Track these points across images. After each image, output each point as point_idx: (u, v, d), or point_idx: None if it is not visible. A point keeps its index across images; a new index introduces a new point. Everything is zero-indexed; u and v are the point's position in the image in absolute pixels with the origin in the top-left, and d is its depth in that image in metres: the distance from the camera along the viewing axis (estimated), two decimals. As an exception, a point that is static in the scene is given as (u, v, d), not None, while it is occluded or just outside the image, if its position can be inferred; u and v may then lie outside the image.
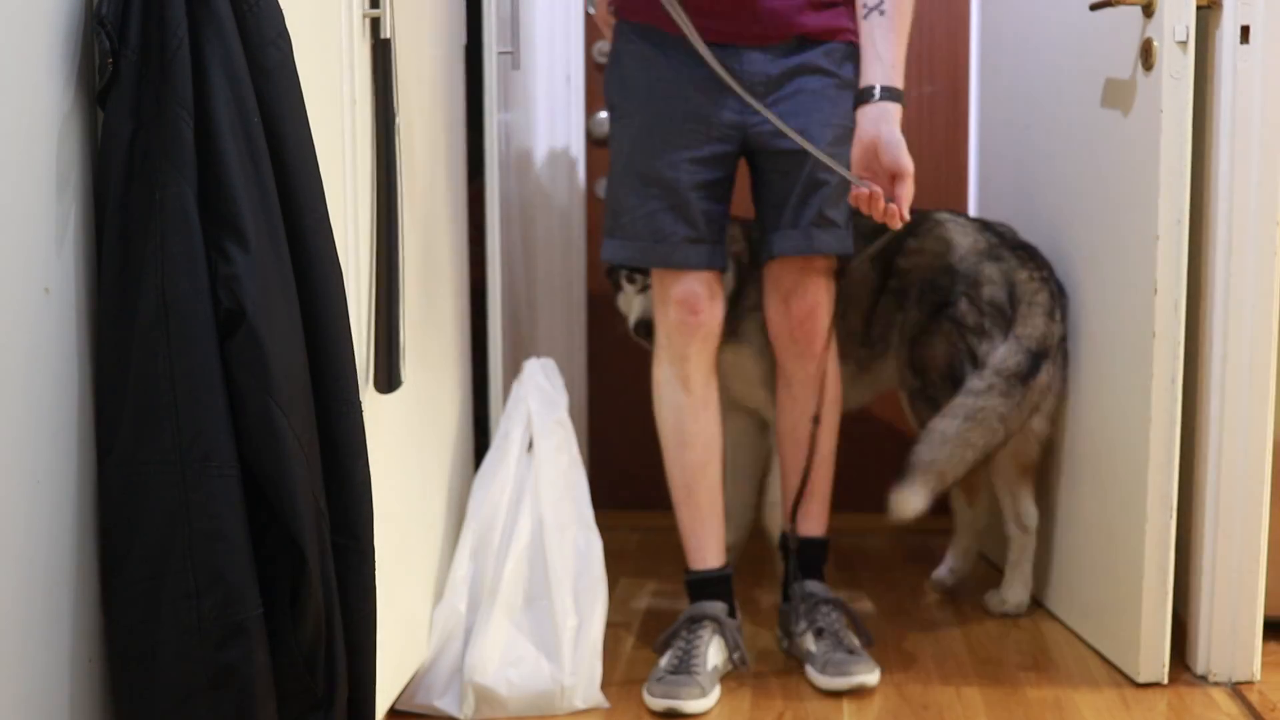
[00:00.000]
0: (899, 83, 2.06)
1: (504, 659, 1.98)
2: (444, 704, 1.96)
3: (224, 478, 1.20)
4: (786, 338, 2.24)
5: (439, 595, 2.06)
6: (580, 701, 2.00)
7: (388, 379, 1.70)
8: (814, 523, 2.31)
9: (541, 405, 2.18)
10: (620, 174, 2.21)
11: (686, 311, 2.17)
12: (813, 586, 2.25)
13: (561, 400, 2.21)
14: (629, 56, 2.20)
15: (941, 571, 2.62)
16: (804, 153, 2.07)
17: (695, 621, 2.16)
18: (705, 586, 2.22)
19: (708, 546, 2.25)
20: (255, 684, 1.22)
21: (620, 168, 2.21)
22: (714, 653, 2.12)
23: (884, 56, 2.05)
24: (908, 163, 1.99)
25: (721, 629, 2.15)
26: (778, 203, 2.18)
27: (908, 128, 3.14)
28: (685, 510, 2.26)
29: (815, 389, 2.25)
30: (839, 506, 3.04)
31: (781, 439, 2.33)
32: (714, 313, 2.20)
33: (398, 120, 1.70)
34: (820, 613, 2.19)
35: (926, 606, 2.53)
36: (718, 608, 2.19)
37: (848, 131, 2.08)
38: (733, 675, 2.17)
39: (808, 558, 2.29)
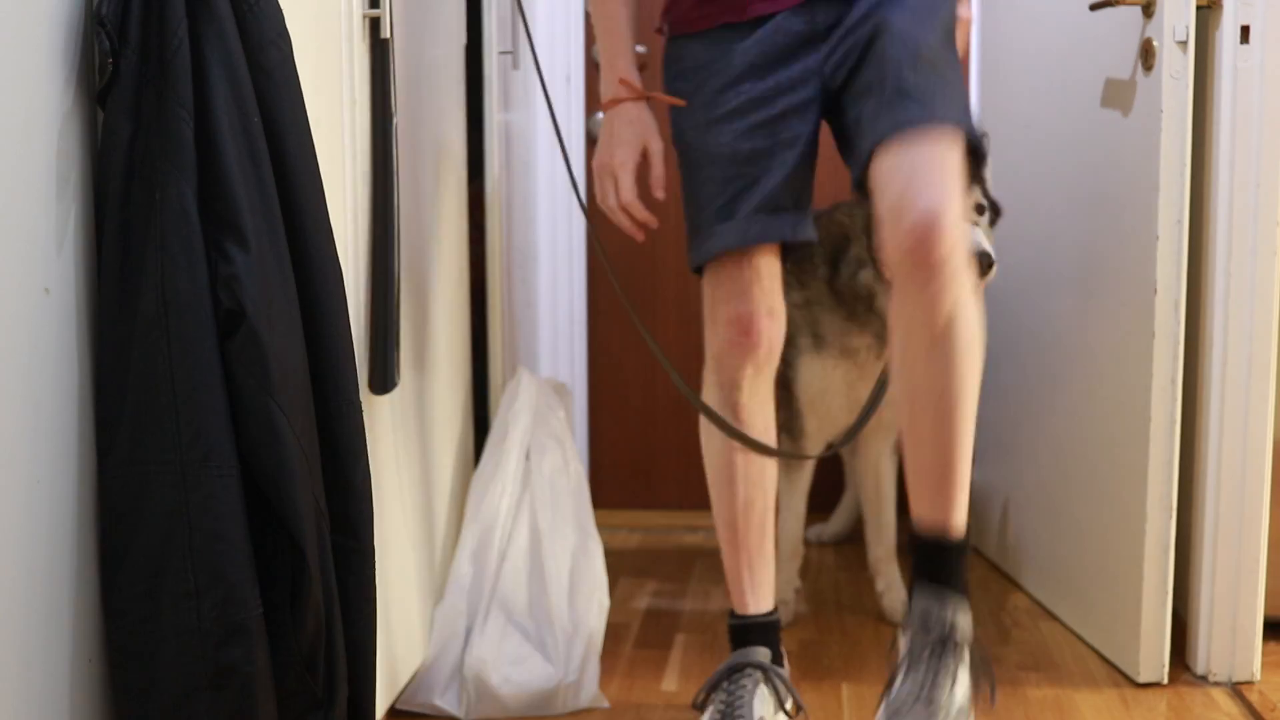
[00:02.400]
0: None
1: (504, 658, 1.98)
2: (444, 703, 1.96)
3: (224, 478, 1.20)
4: (904, 254, 1.66)
5: (439, 595, 2.06)
6: (580, 701, 2.00)
7: (383, 380, 1.70)
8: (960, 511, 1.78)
9: (534, 419, 2.18)
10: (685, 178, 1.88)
11: (738, 331, 1.86)
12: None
13: (554, 412, 2.22)
14: (684, 66, 1.89)
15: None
16: (887, 63, 1.71)
17: (736, 670, 1.90)
18: (748, 633, 1.95)
19: (752, 590, 1.97)
20: (255, 684, 1.22)
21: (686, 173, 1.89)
22: (759, 704, 1.87)
23: None
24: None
25: (767, 677, 1.90)
26: (867, 115, 1.75)
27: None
28: (729, 551, 1.97)
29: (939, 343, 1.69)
30: (829, 507, 3.05)
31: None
32: (773, 330, 1.86)
33: (395, 120, 1.70)
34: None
35: (926, 606, 2.53)
36: (761, 654, 1.93)
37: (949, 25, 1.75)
38: (733, 675, 2.17)
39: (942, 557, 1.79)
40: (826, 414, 2.43)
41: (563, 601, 2.05)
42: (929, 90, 1.67)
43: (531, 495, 2.12)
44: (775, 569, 2.48)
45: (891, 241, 1.67)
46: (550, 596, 2.05)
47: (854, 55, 1.77)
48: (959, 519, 1.74)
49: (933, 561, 1.74)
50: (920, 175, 1.64)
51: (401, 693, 1.95)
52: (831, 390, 2.40)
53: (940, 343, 1.68)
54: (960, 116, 1.69)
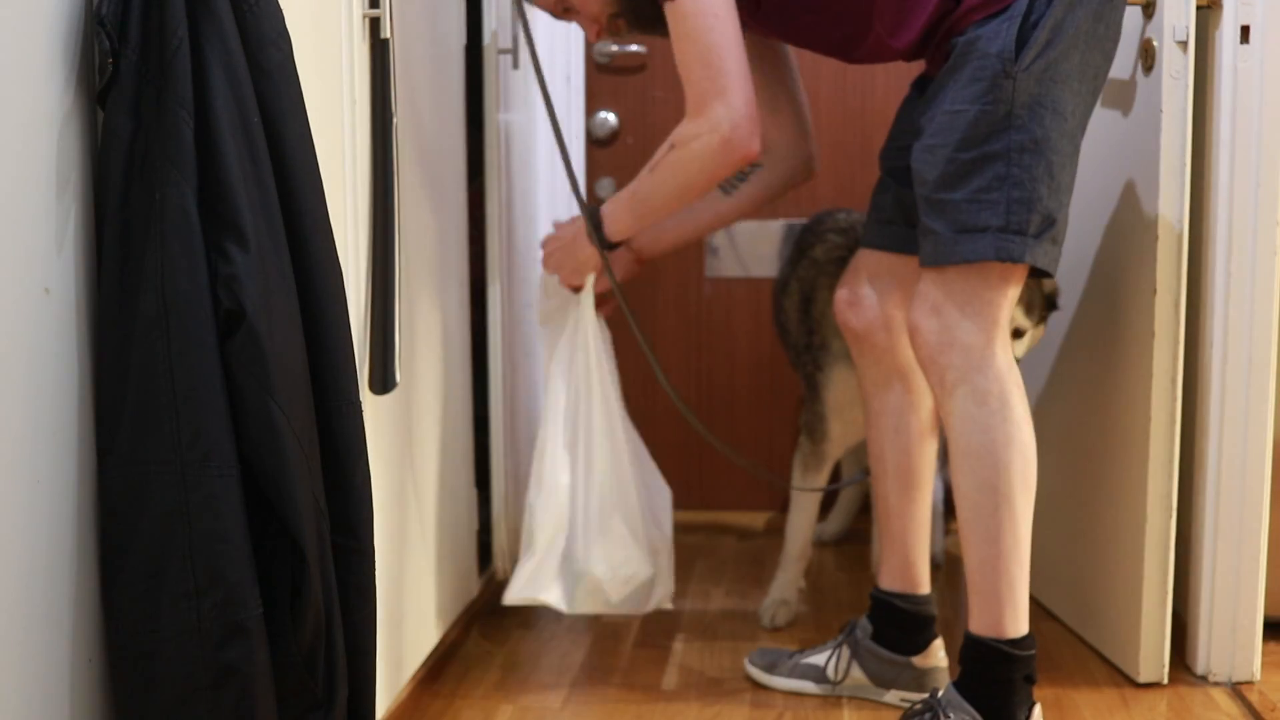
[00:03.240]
0: (608, 214, 2.05)
1: (613, 556, 2.05)
2: (550, 597, 2.04)
3: (224, 478, 1.20)
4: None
5: (441, 595, 2.06)
6: (659, 599, 2.10)
7: (383, 380, 1.70)
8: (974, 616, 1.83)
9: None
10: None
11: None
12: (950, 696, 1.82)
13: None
14: None
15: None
16: (915, 196, 1.87)
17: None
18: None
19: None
20: (255, 684, 1.22)
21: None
22: None
23: (622, 193, 2.04)
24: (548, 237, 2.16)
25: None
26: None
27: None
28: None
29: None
30: (828, 507, 3.05)
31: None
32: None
33: (395, 120, 1.70)
34: None
35: (926, 606, 2.53)
36: None
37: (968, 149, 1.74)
38: (733, 675, 2.17)
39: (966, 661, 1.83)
40: (852, 422, 2.44)
41: (644, 500, 2.12)
42: (941, 226, 1.76)
43: (600, 386, 2.12)
44: (780, 567, 2.49)
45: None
46: (636, 495, 2.11)
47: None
48: (999, 627, 1.78)
49: (964, 659, 1.82)
50: (919, 301, 1.80)
51: (498, 588, 1.95)
52: (859, 401, 2.40)
53: (957, 464, 1.79)
54: (967, 249, 1.73)
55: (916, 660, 2.02)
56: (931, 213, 1.77)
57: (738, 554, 2.94)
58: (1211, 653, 2.09)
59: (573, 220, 2.15)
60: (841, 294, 2.07)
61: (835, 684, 2.05)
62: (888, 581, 2.06)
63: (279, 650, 1.27)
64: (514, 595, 2.06)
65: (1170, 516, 2.05)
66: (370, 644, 1.43)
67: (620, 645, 2.31)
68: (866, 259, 2.05)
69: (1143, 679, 2.08)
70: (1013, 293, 1.78)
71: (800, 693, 2.07)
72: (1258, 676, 2.09)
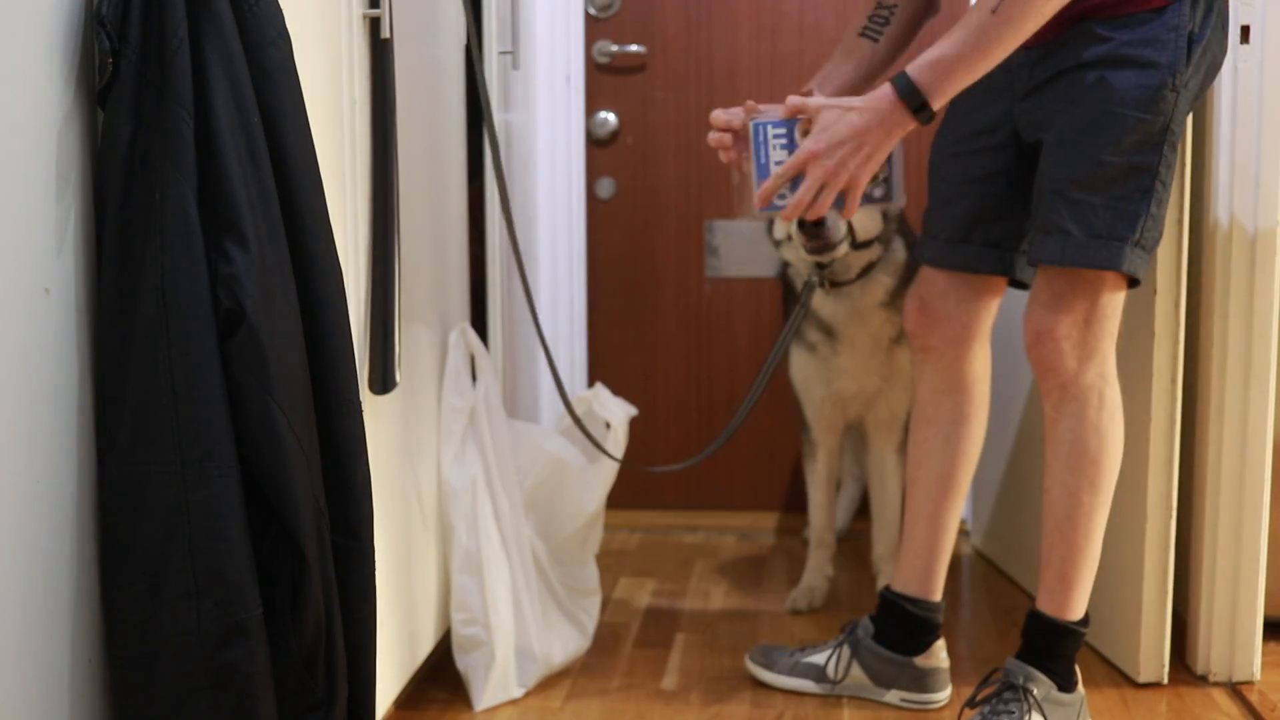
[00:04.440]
0: (926, 81, 1.65)
1: (569, 647, 2.16)
2: (516, 693, 2.05)
3: (224, 478, 1.20)
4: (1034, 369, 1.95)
5: (440, 595, 2.06)
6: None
7: (383, 380, 1.70)
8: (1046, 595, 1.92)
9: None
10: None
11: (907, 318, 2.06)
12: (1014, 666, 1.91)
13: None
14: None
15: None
16: (1041, 188, 1.81)
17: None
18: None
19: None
20: (255, 684, 1.22)
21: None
22: None
23: (937, 47, 1.67)
24: (814, 144, 1.66)
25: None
26: (1029, 226, 1.94)
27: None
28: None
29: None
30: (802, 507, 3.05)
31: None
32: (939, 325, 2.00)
33: (395, 120, 1.70)
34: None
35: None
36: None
37: (1115, 153, 1.73)
38: (733, 675, 2.17)
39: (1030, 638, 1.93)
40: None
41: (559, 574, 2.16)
42: (1076, 227, 1.76)
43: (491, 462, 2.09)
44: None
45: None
46: (554, 574, 2.15)
47: (1029, 145, 1.87)
48: (1068, 609, 1.90)
49: (1032, 635, 1.91)
50: (1041, 303, 1.82)
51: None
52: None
53: (1062, 459, 1.87)
54: (1098, 256, 1.75)
55: (919, 660, 2.02)
56: (1066, 210, 1.76)
57: (738, 554, 2.94)
58: (1211, 653, 2.09)
59: (840, 105, 1.69)
60: (912, 304, 2.04)
61: (835, 683, 2.06)
62: (902, 584, 2.06)
63: (279, 650, 1.27)
64: (489, 702, 2.01)
65: (1170, 516, 2.05)
66: (370, 644, 1.43)
67: (620, 645, 2.31)
68: (934, 276, 2.02)
69: (1143, 679, 2.08)
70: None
71: (800, 692, 2.07)
72: (1258, 676, 2.09)
